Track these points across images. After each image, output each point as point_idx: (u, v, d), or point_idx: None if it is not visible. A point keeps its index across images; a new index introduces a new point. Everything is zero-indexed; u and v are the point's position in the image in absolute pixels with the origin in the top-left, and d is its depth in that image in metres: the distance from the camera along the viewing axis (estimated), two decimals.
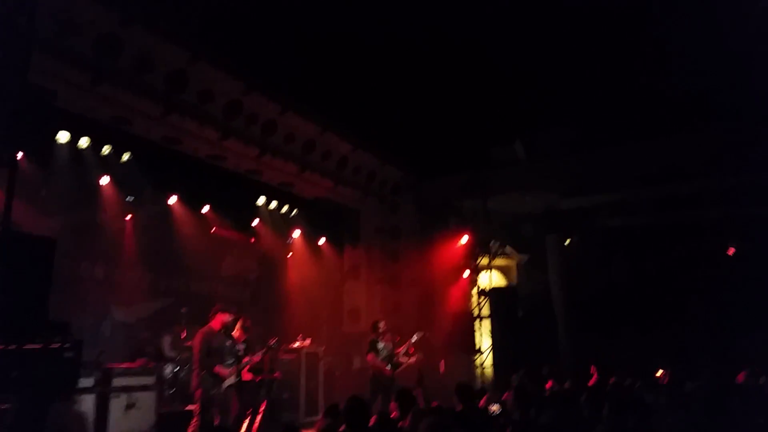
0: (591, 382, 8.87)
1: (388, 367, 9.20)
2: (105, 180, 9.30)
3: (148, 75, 8.14)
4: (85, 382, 6.93)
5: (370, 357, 9.24)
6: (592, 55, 11.00)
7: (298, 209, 12.58)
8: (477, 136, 12.74)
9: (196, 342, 7.34)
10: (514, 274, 15.24)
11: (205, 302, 8.69)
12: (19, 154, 6.91)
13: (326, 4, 9.24)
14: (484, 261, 13.62)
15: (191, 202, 10.53)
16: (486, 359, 12.87)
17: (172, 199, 10.38)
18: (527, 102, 11.99)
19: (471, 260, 13.39)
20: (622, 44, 10.57)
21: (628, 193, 13.53)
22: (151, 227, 10.21)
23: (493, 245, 14.11)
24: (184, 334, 9.15)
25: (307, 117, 10.57)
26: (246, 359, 7.60)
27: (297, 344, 10.60)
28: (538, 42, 10.73)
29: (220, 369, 7.24)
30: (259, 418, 7.98)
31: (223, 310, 7.58)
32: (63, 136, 8.31)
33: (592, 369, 9.93)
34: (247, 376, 7.76)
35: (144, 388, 7.76)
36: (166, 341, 9.30)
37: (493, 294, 13.13)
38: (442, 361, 10.06)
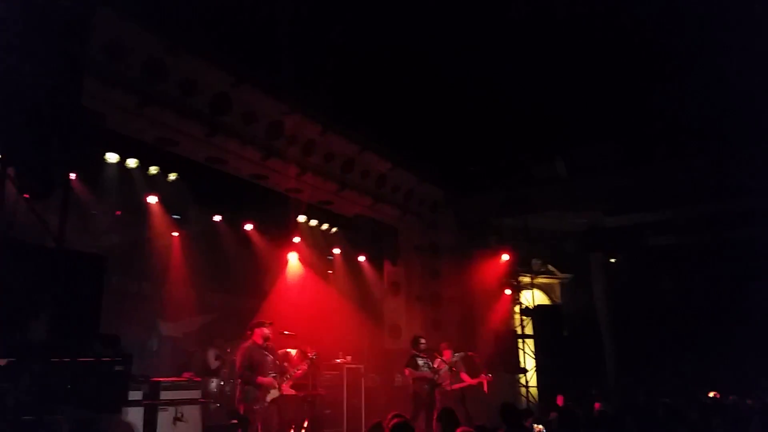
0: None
1: (426, 386, 9.13)
2: (152, 199, 9.59)
3: (193, 98, 8.39)
4: (134, 395, 7.10)
5: (407, 371, 9.20)
6: (636, 69, 10.84)
7: (338, 227, 12.68)
8: (517, 153, 12.66)
9: (238, 356, 7.47)
10: (557, 292, 14.99)
11: (248, 317, 8.81)
12: (72, 175, 7.22)
13: (364, 25, 9.37)
14: (526, 279, 13.47)
15: (234, 220, 10.76)
16: (530, 379, 12.65)
17: (217, 217, 10.63)
18: (568, 118, 11.86)
19: (512, 278, 13.24)
20: (668, 57, 10.39)
21: (675, 210, 13.24)
22: (196, 244, 10.45)
23: (535, 263, 13.95)
24: (228, 349, 9.31)
25: (347, 136, 10.71)
26: (288, 373, 7.68)
27: (338, 360, 10.65)
28: (580, 56, 10.64)
29: (263, 383, 7.33)
30: None
31: (264, 325, 7.70)
32: (112, 157, 8.60)
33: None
34: (289, 390, 7.83)
35: (190, 401, 7.90)
36: (211, 355, 9.47)
37: (537, 312, 12.94)
38: (486, 380, 9.93)
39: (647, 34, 9.94)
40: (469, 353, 10.12)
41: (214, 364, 9.43)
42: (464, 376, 9.79)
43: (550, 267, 14.61)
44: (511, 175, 12.83)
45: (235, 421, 7.45)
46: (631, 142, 12.14)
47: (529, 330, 12.97)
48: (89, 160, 8.22)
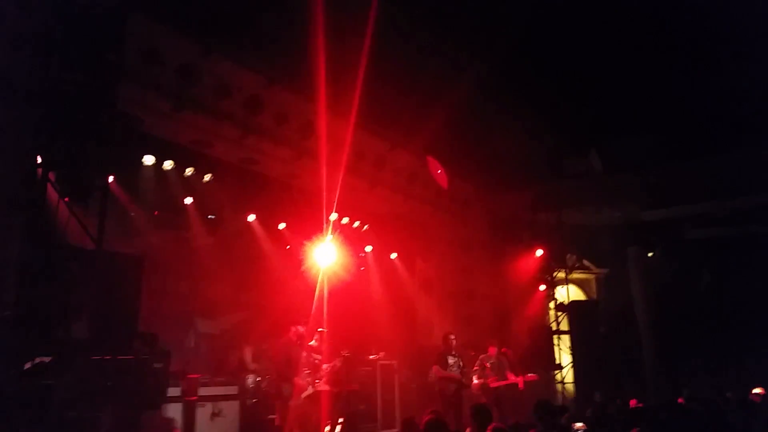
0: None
1: (453, 386, 9.06)
2: (188, 200, 9.79)
3: (226, 100, 8.54)
4: (173, 391, 7.28)
5: (435, 369, 9.11)
6: (674, 62, 10.62)
7: (370, 225, 12.73)
8: (549, 148, 12.52)
9: (274, 353, 7.59)
10: (592, 288, 14.80)
11: (283, 315, 8.94)
12: (110, 178, 7.43)
13: (391, 25, 9.38)
14: (561, 275, 13.32)
15: (268, 219, 10.91)
16: (566, 375, 12.52)
17: (251, 217, 10.80)
18: (602, 112, 11.68)
19: (546, 274, 13.12)
20: (705, 50, 10.16)
21: (714, 203, 12.92)
22: (231, 243, 10.64)
23: (570, 258, 13.78)
24: (264, 346, 9.46)
25: (377, 134, 10.75)
26: (322, 370, 7.78)
27: (372, 357, 10.71)
28: (614, 48, 10.46)
29: (298, 379, 7.44)
30: (338, 428, 8.12)
31: (299, 323, 7.81)
32: (149, 160, 8.81)
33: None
34: (324, 387, 7.92)
35: (228, 397, 8.06)
36: (248, 352, 9.62)
37: (573, 308, 12.79)
38: (521, 377, 9.86)
39: (686, 27, 9.74)
40: (503, 350, 10.06)
41: (250, 360, 9.58)
42: (509, 374, 9.67)
43: (586, 262, 14.42)
44: (544, 170, 12.69)
45: (273, 417, 7.58)
46: (668, 135, 11.90)
47: (564, 326, 12.83)
48: (127, 163, 8.44)
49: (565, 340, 12.69)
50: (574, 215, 13.46)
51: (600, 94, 11.29)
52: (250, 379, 9.21)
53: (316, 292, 9.42)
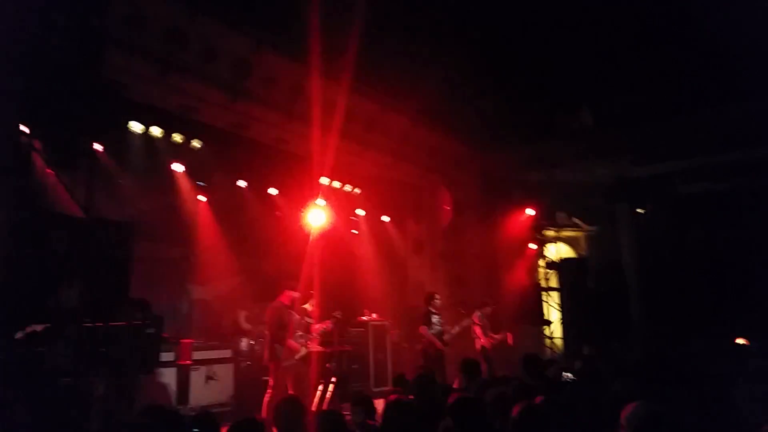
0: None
1: (439, 343, 9.27)
2: (177, 166, 9.76)
3: (213, 64, 8.43)
4: (167, 356, 7.41)
5: (422, 329, 9.31)
6: (663, 14, 10.48)
7: (361, 188, 12.76)
8: (541, 106, 12.44)
9: (267, 316, 7.71)
10: (582, 245, 14.90)
11: (276, 279, 9.05)
12: (98, 146, 7.40)
13: None
14: (551, 233, 13.42)
15: (258, 185, 10.91)
16: (554, 331, 12.75)
17: (241, 182, 10.79)
18: (594, 67, 11.58)
19: (537, 233, 13.21)
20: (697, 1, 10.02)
21: (705, 158, 12.91)
22: (222, 209, 10.67)
23: (560, 217, 13.86)
24: (257, 310, 9.59)
25: (368, 97, 10.67)
26: (314, 331, 7.92)
27: (364, 318, 10.88)
28: (605, 3, 10.32)
29: (291, 342, 7.58)
30: (331, 387, 8.31)
31: (291, 287, 7.91)
32: (136, 127, 8.75)
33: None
34: (316, 348, 8.08)
35: (221, 360, 8.21)
36: (241, 316, 9.76)
37: (562, 265, 12.92)
38: (509, 333, 10.06)
39: None
40: (493, 306, 10.24)
41: (245, 324, 9.73)
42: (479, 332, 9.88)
43: (576, 220, 14.50)
44: (535, 128, 12.64)
45: (267, 378, 7.75)
46: (660, 90, 11.82)
47: (553, 283, 13.00)
48: (114, 130, 8.39)
49: (555, 296, 12.87)
50: (566, 173, 13.46)
51: (591, 50, 11.18)
52: (244, 342, 9.38)
53: (308, 256, 9.53)
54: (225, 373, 8.27)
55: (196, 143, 9.64)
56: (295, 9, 8.83)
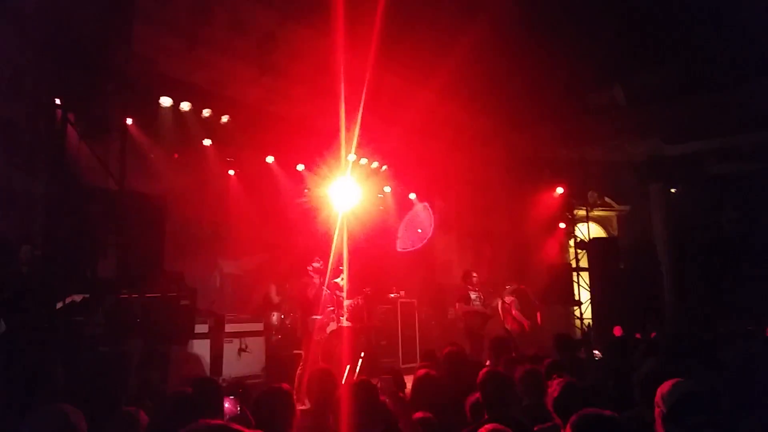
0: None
1: (479, 321, 9.22)
2: (207, 141, 9.79)
3: (240, 38, 8.40)
4: (201, 328, 7.50)
5: (458, 306, 9.28)
6: None
7: (388, 165, 12.67)
8: (572, 82, 12.18)
9: (298, 291, 7.74)
10: (614, 225, 14.70)
11: (305, 255, 9.07)
12: (129, 120, 7.45)
13: None
14: (582, 212, 13.24)
15: (286, 161, 10.91)
16: (585, 311, 12.63)
17: (269, 158, 10.79)
18: (626, 44, 11.29)
19: (567, 212, 13.04)
20: None
21: (739, 137, 12.59)
22: (251, 185, 10.70)
23: (591, 196, 13.66)
24: (287, 285, 9.65)
25: (395, 73, 10.55)
26: (345, 307, 7.94)
27: (392, 295, 10.89)
28: None
29: (321, 316, 7.61)
30: (360, 362, 8.34)
31: (321, 262, 7.92)
32: (166, 101, 8.76)
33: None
34: (346, 323, 8.11)
35: (253, 333, 8.30)
36: (272, 289, 9.83)
37: (592, 245, 12.74)
38: (539, 312, 9.98)
39: None
40: (521, 286, 10.15)
41: (275, 298, 9.81)
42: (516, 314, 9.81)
43: (607, 199, 14.28)
44: (566, 106, 12.40)
45: (298, 351, 7.81)
46: (693, 67, 11.50)
47: (584, 263, 12.84)
48: (144, 105, 8.43)
49: (585, 277, 12.72)
50: (596, 151, 13.24)
51: (624, 26, 10.89)
52: (275, 317, 9.45)
53: (336, 232, 9.54)
54: (257, 346, 8.37)
55: (224, 118, 9.63)
56: None
